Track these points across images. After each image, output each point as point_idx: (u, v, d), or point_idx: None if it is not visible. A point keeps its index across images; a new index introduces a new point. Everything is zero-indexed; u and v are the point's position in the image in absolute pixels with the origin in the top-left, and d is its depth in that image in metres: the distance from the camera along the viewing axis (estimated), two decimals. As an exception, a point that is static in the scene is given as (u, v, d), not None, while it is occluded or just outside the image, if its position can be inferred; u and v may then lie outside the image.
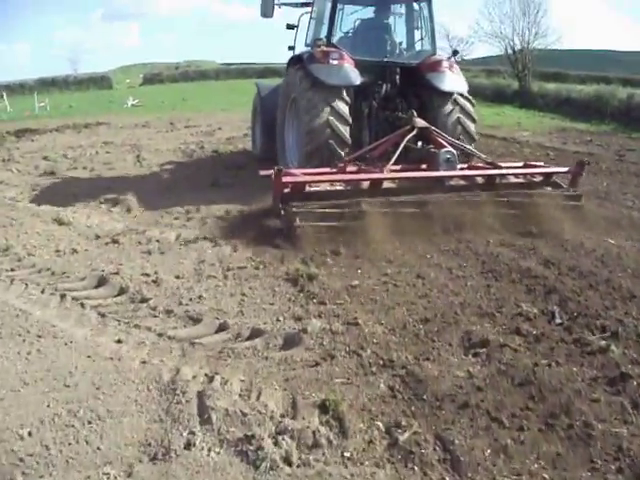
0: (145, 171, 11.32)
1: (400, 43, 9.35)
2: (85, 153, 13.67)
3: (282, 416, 3.31)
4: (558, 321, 4.50)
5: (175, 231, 7.19)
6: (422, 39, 9.26)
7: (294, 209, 6.25)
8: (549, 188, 7.48)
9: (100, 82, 54.47)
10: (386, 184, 6.98)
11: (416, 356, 4.00)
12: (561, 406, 3.36)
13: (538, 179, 7.63)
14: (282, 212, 6.44)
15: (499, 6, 37.74)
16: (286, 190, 6.58)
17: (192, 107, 31.72)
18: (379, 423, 3.27)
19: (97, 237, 7.01)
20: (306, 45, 9.45)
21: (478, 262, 5.89)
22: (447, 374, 3.75)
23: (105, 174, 11.15)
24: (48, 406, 3.46)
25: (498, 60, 39.39)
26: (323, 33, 8.70)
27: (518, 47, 35.45)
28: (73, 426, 3.26)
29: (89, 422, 3.30)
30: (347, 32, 9.31)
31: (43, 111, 32.43)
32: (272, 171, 6.48)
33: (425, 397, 3.52)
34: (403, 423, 3.26)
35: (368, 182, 6.97)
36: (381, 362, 3.93)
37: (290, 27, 9.87)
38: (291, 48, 9.92)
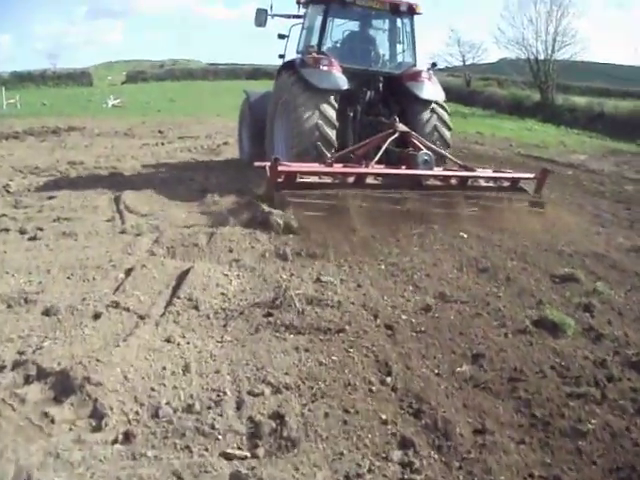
0: (131, 256, 5.44)
1: (384, 54, 9.69)
2: (32, 186, 8.63)
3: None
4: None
5: None
6: (404, 51, 9.60)
7: (288, 198, 6.58)
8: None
9: (79, 78, 49.23)
10: (369, 180, 7.30)
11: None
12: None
13: (506, 184, 7.96)
14: (276, 199, 6.70)
15: (523, 9, 33.00)
16: (279, 180, 6.82)
17: (181, 110, 27.17)
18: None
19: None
20: (297, 52, 9.63)
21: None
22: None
23: (42, 260, 5.29)
24: None
25: (510, 64, 35.28)
26: (314, 41, 8.97)
27: (541, 56, 31.21)
28: None
29: None
30: (336, 42, 9.56)
31: (12, 108, 27.91)
32: (267, 162, 6.93)
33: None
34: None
35: (353, 177, 7.23)
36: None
37: (281, 37, 10.11)
38: (281, 56, 10.06)
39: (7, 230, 6.06)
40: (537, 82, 31.99)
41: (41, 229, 6.02)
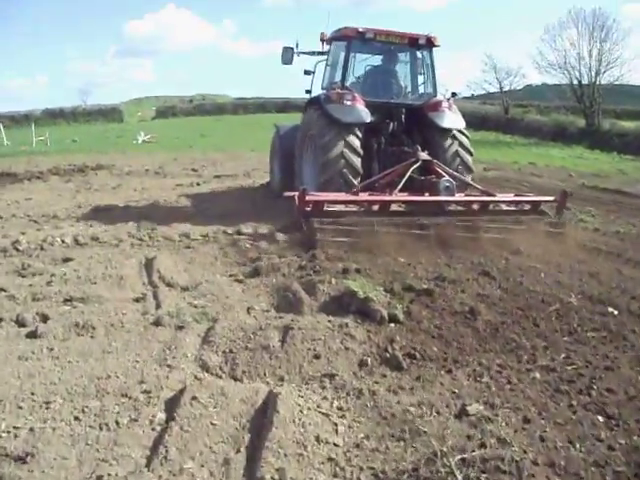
0: (173, 373, 3.50)
1: (405, 86, 9.82)
2: (46, 242, 6.83)
3: None
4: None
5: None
6: (425, 83, 9.70)
7: (315, 224, 6.56)
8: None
9: (110, 114, 48.74)
10: (393, 207, 7.43)
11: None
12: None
13: (527, 207, 7.98)
14: (304, 227, 6.74)
15: (564, 32, 31.04)
16: (307, 208, 6.91)
17: (213, 145, 25.90)
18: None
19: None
20: (322, 88, 9.80)
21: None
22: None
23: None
24: None
25: (550, 89, 33.30)
26: (338, 77, 9.19)
27: (585, 80, 29.22)
28: None
29: None
30: (359, 77, 9.69)
31: (42, 146, 27.13)
32: (296, 192, 7.05)
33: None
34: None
35: (378, 205, 7.33)
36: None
37: (307, 73, 10.26)
38: (308, 92, 10.25)
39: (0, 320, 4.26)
40: (581, 107, 30.01)
41: (46, 318, 4.21)
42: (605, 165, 21.79)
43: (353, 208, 7.24)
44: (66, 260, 5.99)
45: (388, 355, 3.85)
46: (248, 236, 7.17)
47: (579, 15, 30.38)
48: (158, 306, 4.51)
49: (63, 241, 6.87)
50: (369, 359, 3.79)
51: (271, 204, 9.30)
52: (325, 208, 7.01)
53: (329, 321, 4.13)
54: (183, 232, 7.41)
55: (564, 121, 30.75)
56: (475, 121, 34.51)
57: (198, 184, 13.01)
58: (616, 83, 29.94)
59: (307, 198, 6.86)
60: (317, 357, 3.70)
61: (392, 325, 4.31)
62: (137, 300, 4.69)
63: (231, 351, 3.71)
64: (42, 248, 6.57)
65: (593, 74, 29.05)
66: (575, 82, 29.79)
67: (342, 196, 7.49)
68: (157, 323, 4.12)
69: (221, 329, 3.99)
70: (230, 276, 5.53)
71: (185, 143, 27.23)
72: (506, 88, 37.10)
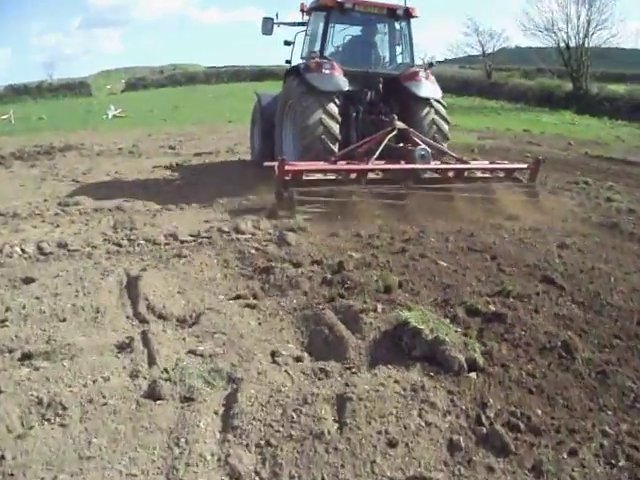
0: None
1: (383, 56, 9.85)
2: (2, 254, 5.42)
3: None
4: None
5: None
6: (402, 53, 9.76)
7: (295, 195, 6.65)
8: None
9: (78, 89, 46.06)
10: (370, 175, 7.53)
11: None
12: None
13: (501, 174, 8.14)
14: (284, 195, 6.79)
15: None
16: (287, 177, 6.93)
17: (188, 117, 24.26)
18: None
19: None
20: (302, 58, 9.78)
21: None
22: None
23: None
24: None
25: (536, 52, 31.99)
26: (317, 47, 9.13)
27: (572, 43, 27.98)
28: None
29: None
30: (337, 46, 9.71)
31: (6, 125, 25.25)
32: (276, 162, 7.03)
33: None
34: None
35: (355, 173, 7.37)
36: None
37: (287, 43, 10.32)
38: (288, 62, 10.25)
39: None
40: (568, 70, 28.85)
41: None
42: (600, 132, 20.83)
43: (331, 176, 7.44)
44: (27, 281, 4.67)
45: (485, 430, 2.72)
46: (250, 235, 5.91)
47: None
48: (151, 359, 3.25)
49: (24, 250, 5.52)
50: (461, 438, 2.65)
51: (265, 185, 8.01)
52: (304, 177, 7.18)
53: (396, 381, 2.94)
54: (169, 231, 6.11)
55: (550, 85, 29.62)
56: (456, 86, 33.25)
57: (178, 165, 11.58)
58: (604, 47, 28.77)
59: (286, 168, 6.91)
60: (392, 444, 2.54)
61: (474, 376, 3.15)
62: (121, 348, 3.42)
63: (269, 444, 2.52)
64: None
65: (581, 36, 27.83)
66: (562, 44, 28.54)
67: (320, 165, 7.56)
68: (153, 394, 2.88)
69: (247, 402, 2.77)
70: (237, 298, 4.28)
71: (158, 116, 25.47)
72: (489, 51, 35.67)
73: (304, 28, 10.08)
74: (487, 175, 8.15)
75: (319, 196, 6.70)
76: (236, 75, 48.26)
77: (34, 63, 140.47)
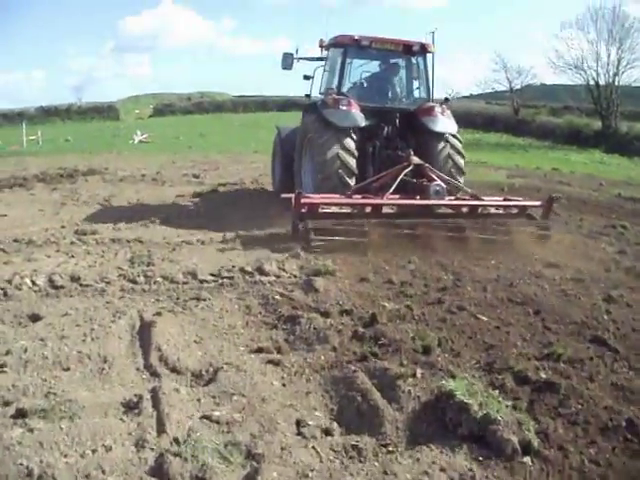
0: None
1: (400, 91, 10.00)
2: (8, 288, 4.93)
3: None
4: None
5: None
6: (419, 88, 9.84)
7: (310, 225, 6.82)
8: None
9: (106, 112, 46.77)
10: (385, 209, 7.76)
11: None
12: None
13: (515, 211, 8.24)
14: (300, 227, 6.93)
15: (581, 30, 29.39)
16: (303, 210, 7.09)
17: (213, 145, 24.16)
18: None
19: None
20: (320, 93, 9.99)
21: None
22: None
23: None
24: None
25: (564, 90, 31.62)
26: (334, 83, 9.34)
27: (602, 81, 27.62)
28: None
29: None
30: (354, 82, 9.88)
31: (33, 146, 25.38)
32: (293, 194, 7.11)
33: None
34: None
35: (370, 207, 7.59)
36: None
37: (307, 78, 10.43)
38: (307, 96, 10.50)
39: None
40: (597, 109, 28.43)
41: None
42: (631, 172, 20.29)
43: (347, 210, 7.58)
44: (33, 318, 4.36)
45: None
46: (274, 278, 5.54)
47: (598, 13, 28.75)
48: (160, 425, 2.86)
49: (34, 282, 5.22)
50: None
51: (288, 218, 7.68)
52: (320, 210, 7.33)
53: (442, 469, 2.52)
54: (188, 269, 5.76)
55: (579, 123, 29.17)
56: (483, 121, 32.95)
57: (201, 194, 11.33)
58: (634, 85, 28.36)
59: (302, 200, 7.02)
60: None
61: (528, 461, 2.71)
62: (128, 408, 3.05)
63: None
64: (5, 294, 4.93)
65: (611, 74, 27.45)
66: (592, 82, 28.17)
67: (336, 198, 7.72)
68: (160, 471, 2.48)
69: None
70: (260, 351, 3.89)
71: (184, 143, 25.54)
72: (516, 88, 35.33)
73: (323, 63, 10.25)
74: (500, 212, 8.22)
75: (334, 229, 6.75)
76: (263, 105, 48.58)
77: (67, 85, 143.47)
